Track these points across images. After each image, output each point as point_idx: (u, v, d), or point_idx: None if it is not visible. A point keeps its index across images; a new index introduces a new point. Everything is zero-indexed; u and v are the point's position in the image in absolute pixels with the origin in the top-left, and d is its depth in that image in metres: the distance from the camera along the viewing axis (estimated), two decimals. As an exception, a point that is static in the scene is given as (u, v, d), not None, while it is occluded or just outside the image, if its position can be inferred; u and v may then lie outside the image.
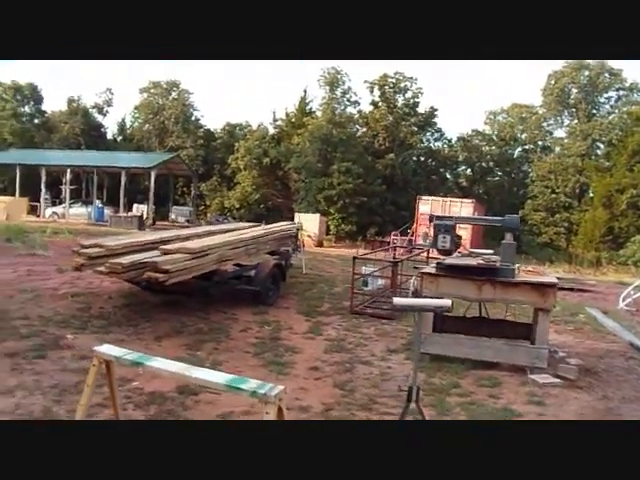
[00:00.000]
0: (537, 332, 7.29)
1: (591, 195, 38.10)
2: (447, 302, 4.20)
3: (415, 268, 10.52)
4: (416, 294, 8.56)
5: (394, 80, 40.31)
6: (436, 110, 42.42)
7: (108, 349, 3.83)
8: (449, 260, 7.62)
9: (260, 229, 13.14)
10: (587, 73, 40.14)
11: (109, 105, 51.14)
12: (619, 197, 33.73)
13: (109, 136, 51.37)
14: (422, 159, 43.37)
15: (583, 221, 35.74)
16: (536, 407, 6.08)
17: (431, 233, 8.09)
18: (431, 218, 7.95)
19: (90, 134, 47.34)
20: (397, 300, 4.27)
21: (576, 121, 41.90)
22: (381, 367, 7.40)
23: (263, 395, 3.14)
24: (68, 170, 35.60)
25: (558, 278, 9.00)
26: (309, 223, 26.52)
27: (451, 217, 8.36)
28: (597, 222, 34.01)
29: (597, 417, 5.96)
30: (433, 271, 7.70)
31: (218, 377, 3.49)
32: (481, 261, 7.54)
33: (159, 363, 3.64)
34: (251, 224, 15.32)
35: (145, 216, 32.70)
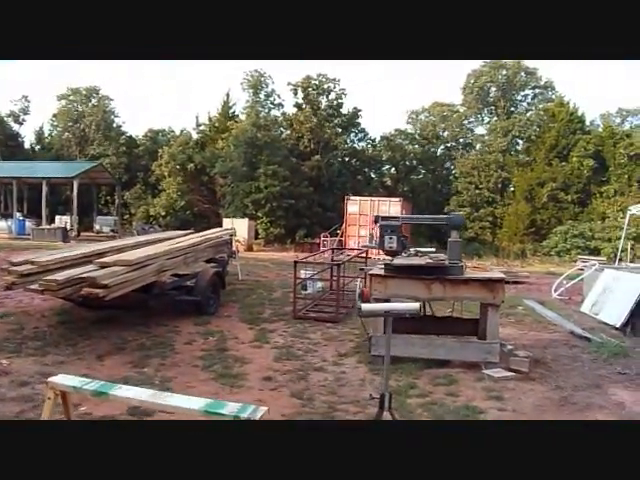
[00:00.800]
0: (487, 327, 7.35)
1: (512, 189, 39.20)
2: (415, 305, 4.12)
3: (361, 270, 10.45)
4: (363, 296, 8.50)
5: (317, 82, 40.31)
6: (359, 111, 42.64)
7: (64, 379, 3.51)
8: (397, 260, 7.55)
9: (196, 237, 12.80)
10: (505, 72, 41.23)
11: (25, 113, 48.92)
12: (540, 190, 34.84)
13: (27, 145, 49.09)
14: (347, 159, 43.44)
15: (507, 215, 36.69)
16: (496, 402, 6.10)
17: (377, 234, 8.04)
18: (376, 219, 7.88)
19: (7, 144, 45.13)
20: (365, 306, 4.15)
21: (496, 118, 42.92)
22: (335, 372, 7.27)
23: (247, 419, 2.92)
24: (-16, 183, 33.87)
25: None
26: (238, 228, 26.15)
27: (397, 217, 8.31)
28: (520, 215, 35.01)
29: (554, 407, 6.08)
30: (381, 272, 7.63)
31: (194, 403, 3.22)
32: (429, 260, 7.53)
33: (125, 392, 3.34)
34: (186, 232, 14.94)
35: (69, 227, 31.45)
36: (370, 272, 7.81)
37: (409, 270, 7.43)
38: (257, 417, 2.90)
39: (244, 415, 2.94)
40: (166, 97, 79.91)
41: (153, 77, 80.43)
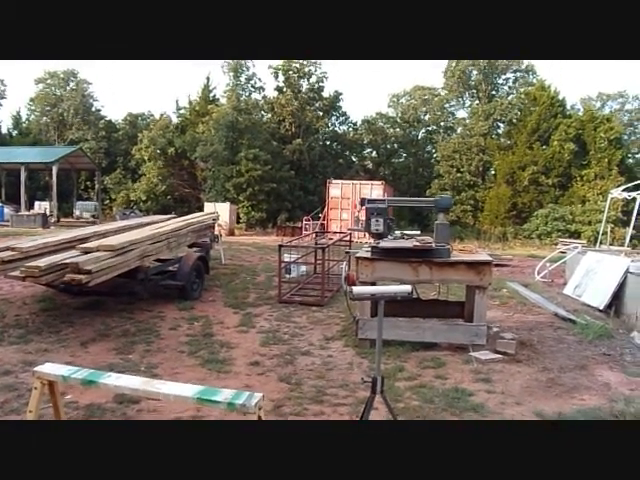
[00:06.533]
0: (475, 310, 7.33)
1: (493, 173, 39.32)
2: (407, 288, 4.07)
3: (346, 253, 10.40)
4: (348, 280, 8.45)
5: (298, 65, 39.97)
6: (341, 94, 42.50)
7: (51, 368, 3.40)
8: (384, 243, 7.50)
9: (179, 221, 12.66)
10: (485, 55, 41.20)
11: (2, 97, 48.13)
12: (521, 174, 34.98)
13: (4, 130, 48.30)
14: (328, 143, 43.32)
15: (488, 198, 36.80)
16: (484, 384, 6.10)
17: (363, 217, 7.99)
18: (362, 201, 7.81)
19: (-18, 129, 44.52)
20: (357, 289, 4.09)
21: (477, 102, 42.99)
22: (322, 356, 7.23)
23: (242, 406, 2.85)
24: (-39, 168, 33.24)
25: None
26: (219, 212, 25.85)
27: (383, 200, 8.25)
28: (501, 198, 35.15)
29: (542, 388, 6.09)
30: (368, 255, 7.57)
31: (186, 390, 3.12)
32: (416, 243, 7.49)
33: (115, 380, 3.24)
34: (168, 216, 14.79)
35: (49, 213, 31.01)
36: (357, 255, 7.75)
37: (396, 253, 7.38)
38: (252, 404, 2.82)
39: (239, 402, 2.86)
40: (145, 80, 79.00)
41: (132, 60, 79.41)
